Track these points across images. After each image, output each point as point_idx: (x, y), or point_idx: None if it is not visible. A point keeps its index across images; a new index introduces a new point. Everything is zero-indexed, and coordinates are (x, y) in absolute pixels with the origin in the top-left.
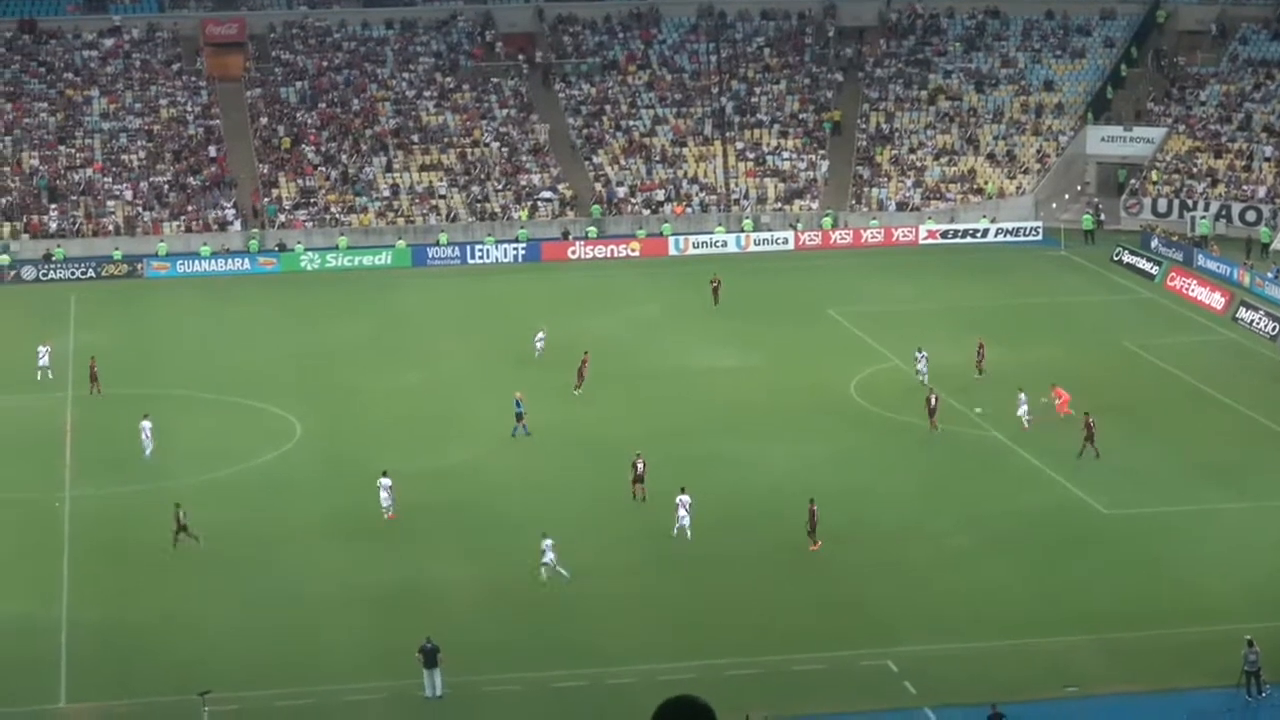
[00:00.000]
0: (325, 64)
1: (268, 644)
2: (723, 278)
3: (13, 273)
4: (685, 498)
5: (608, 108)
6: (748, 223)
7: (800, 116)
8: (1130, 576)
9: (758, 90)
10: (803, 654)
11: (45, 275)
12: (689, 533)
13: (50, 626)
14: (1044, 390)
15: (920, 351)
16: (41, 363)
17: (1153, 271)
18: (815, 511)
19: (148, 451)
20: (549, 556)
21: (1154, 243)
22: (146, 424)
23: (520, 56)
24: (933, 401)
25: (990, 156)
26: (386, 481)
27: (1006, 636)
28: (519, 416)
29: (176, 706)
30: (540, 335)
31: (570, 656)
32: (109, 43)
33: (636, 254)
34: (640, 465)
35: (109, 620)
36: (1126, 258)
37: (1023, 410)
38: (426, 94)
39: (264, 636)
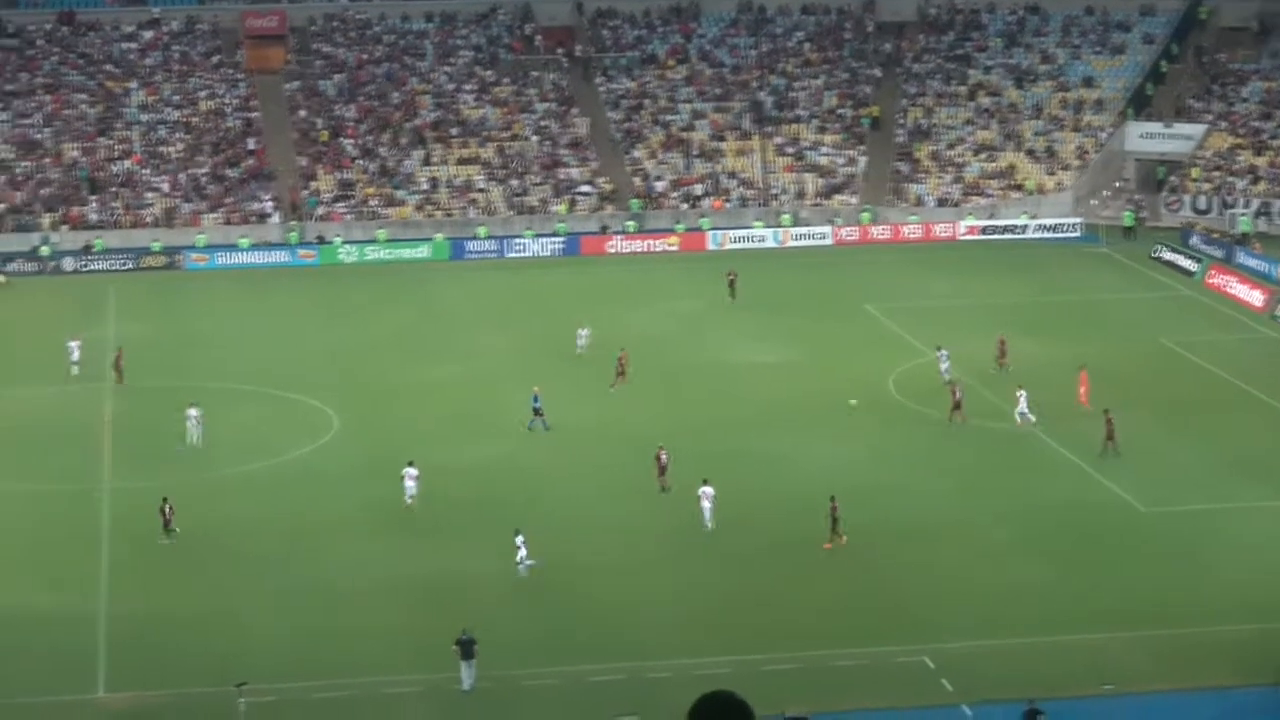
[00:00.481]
0: (365, 57)
1: (304, 636)
2: (739, 272)
3: (53, 264)
4: (708, 489)
5: (647, 102)
6: (786, 218)
7: (839, 112)
8: (1168, 573)
9: (796, 85)
10: (839, 650)
11: (85, 266)
12: (709, 524)
13: (89, 617)
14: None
15: (941, 350)
16: (73, 358)
17: (1193, 269)
18: (836, 508)
19: (195, 439)
20: (522, 553)
21: (1194, 240)
22: (194, 411)
23: (560, 50)
24: (957, 394)
25: (1030, 152)
26: (413, 471)
27: (1044, 633)
28: (537, 411)
29: (213, 698)
30: (583, 332)
31: (606, 651)
32: (148, 34)
33: (675, 248)
34: (664, 457)
35: (147, 611)
36: (1166, 255)
37: (1022, 408)
38: (466, 87)
39: (301, 629)
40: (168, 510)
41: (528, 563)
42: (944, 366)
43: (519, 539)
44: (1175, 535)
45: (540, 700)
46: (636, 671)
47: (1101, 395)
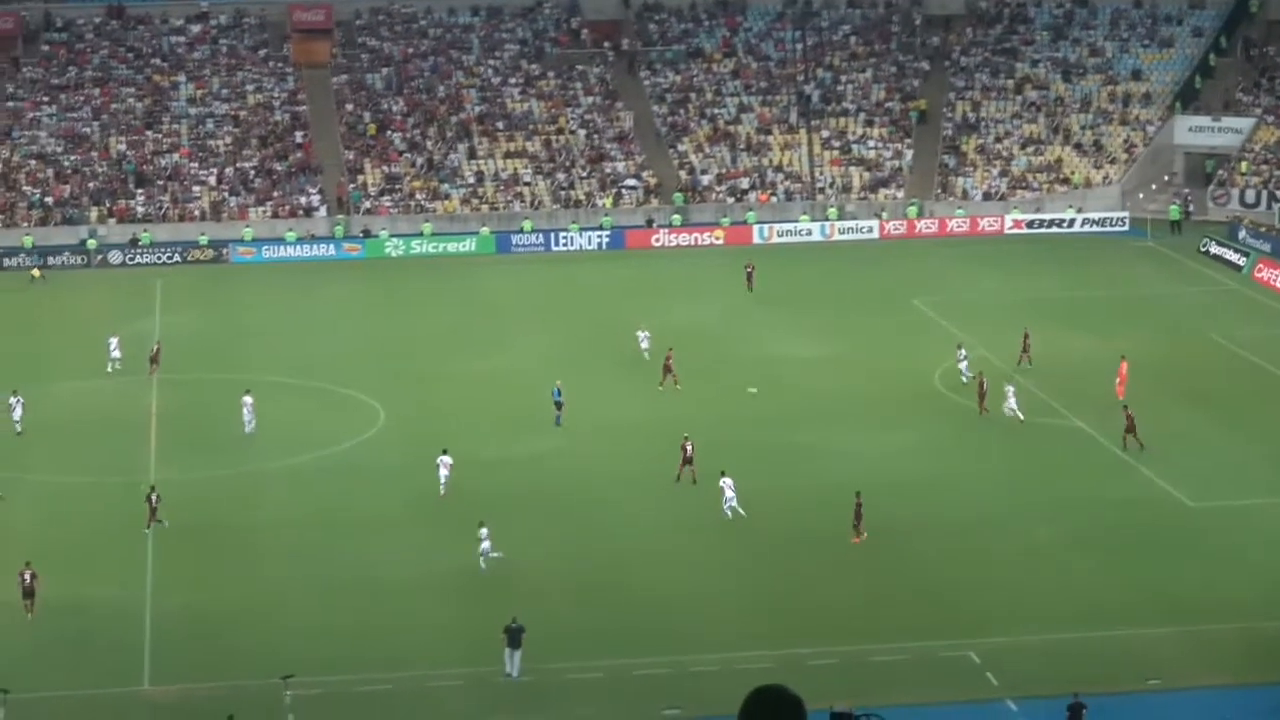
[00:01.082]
0: (411, 50)
1: (349, 629)
2: (757, 264)
3: (99, 257)
4: (729, 480)
5: (693, 95)
6: (832, 211)
7: (886, 105)
8: (1215, 569)
9: (843, 78)
10: (884, 644)
11: (132, 259)
12: (741, 511)
13: (134, 610)
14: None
15: (960, 349)
16: (113, 354)
17: (1240, 263)
18: (861, 505)
19: (249, 427)
20: (485, 545)
21: (1242, 234)
22: (248, 399)
23: (606, 44)
24: (983, 386)
25: (1077, 146)
26: (447, 459)
27: (1089, 628)
28: (558, 405)
29: (259, 691)
30: (644, 334)
31: (651, 644)
32: (196, 28)
33: (721, 242)
34: (689, 448)
35: (192, 604)
36: (1214, 249)
37: (1011, 404)
38: (512, 81)
39: (345, 622)
40: (154, 499)
41: (491, 555)
42: (963, 365)
43: (483, 530)
44: (1223, 530)
45: (584, 693)
46: (680, 665)
47: (1150, 390)
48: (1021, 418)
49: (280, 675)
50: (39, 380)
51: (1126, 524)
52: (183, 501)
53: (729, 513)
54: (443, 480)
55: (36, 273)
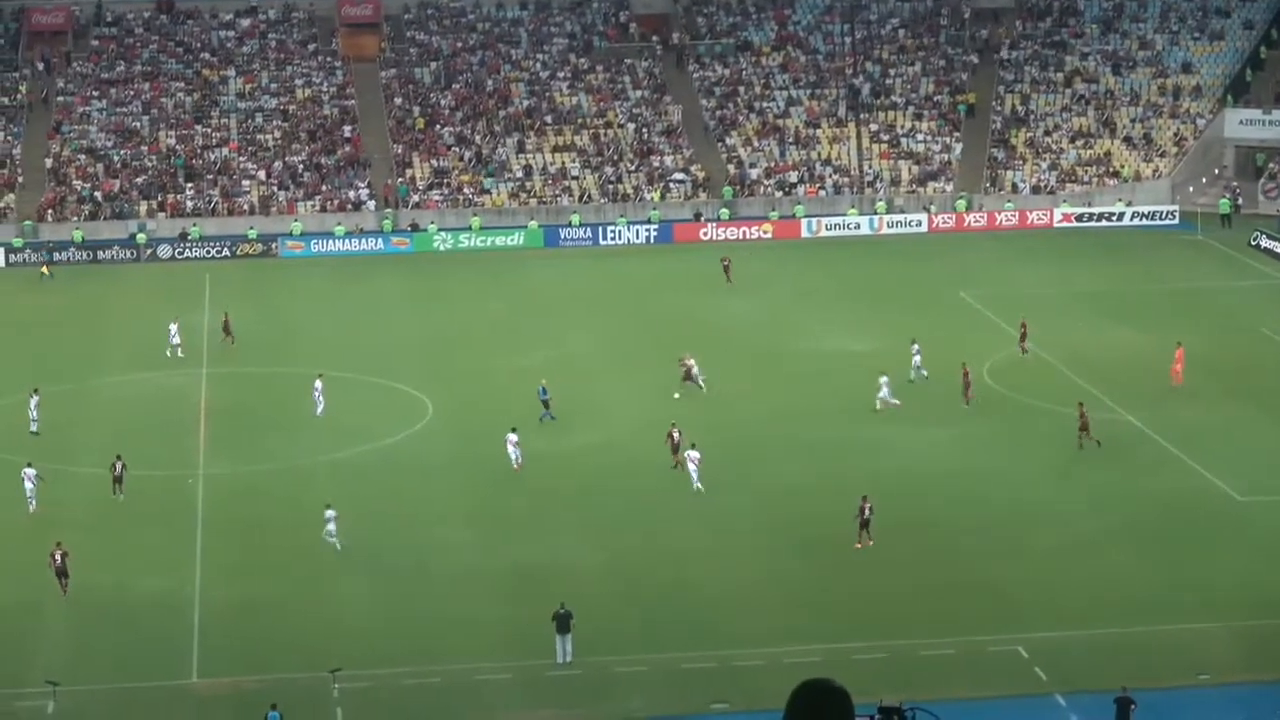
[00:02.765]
0: (460, 44)
1: (397, 622)
2: (733, 257)
3: (149, 251)
4: (694, 454)
5: (741, 89)
6: (881, 205)
7: (935, 98)
8: (1265, 562)
9: (892, 72)
10: (932, 639)
11: (181, 254)
12: (697, 485)
13: (183, 603)
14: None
15: (914, 345)
16: (173, 340)
17: None
18: (865, 508)
19: (319, 410)
20: (330, 526)
21: None
22: (319, 383)
23: (654, 38)
24: (968, 377)
25: (1127, 139)
26: (513, 437)
27: (1138, 623)
28: (545, 404)
29: (307, 684)
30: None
31: (696, 638)
32: (245, 23)
33: (769, 236)
34: (676, 435)
35: (241, 597)
36: (1264, 242)
37: (884, 393)
38: (560, 75)
39: (393, 615)
40: (118, 467)
41: (332, 539)
42: (915, 361)
43: (329, 512)
44: (1273, 524)
45: (631, 686)
46: (726, 659)
47: (1199, 383)
48: (896, 403)
49: (329, 669)
50: (89, 374)
51: (1175, 518)
52: (232, 494)
53: (697, 484)
54: (514, 456)
55: (46, 270)
